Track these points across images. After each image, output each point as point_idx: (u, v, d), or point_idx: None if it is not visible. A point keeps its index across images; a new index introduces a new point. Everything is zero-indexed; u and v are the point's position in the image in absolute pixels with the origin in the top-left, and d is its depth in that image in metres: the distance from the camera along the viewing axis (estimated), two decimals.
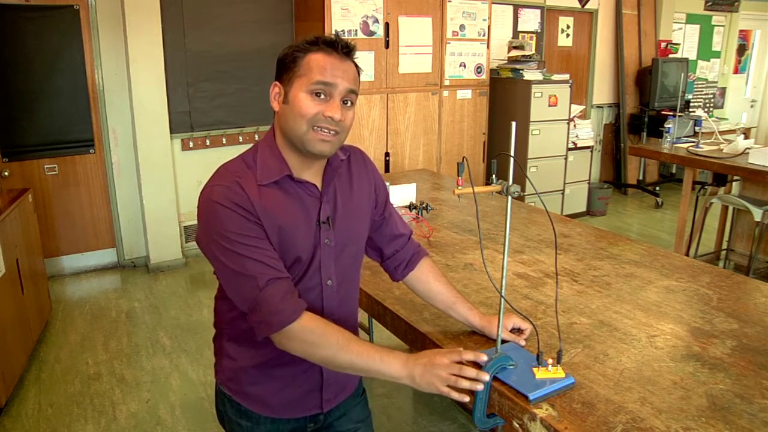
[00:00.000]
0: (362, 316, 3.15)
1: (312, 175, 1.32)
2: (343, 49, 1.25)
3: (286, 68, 1.26)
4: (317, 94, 1.23)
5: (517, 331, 1.49)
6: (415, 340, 1.60)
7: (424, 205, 2.54)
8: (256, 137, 4.86)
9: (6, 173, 3.92)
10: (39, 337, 3.51)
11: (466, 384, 1.20)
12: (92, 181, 4.54)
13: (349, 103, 1.26)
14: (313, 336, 1.21)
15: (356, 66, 1.29)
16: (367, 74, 4.57)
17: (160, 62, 4.34)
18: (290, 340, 1.22)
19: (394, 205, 2.50)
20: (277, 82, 1.28)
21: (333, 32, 1.17)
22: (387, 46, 4.61)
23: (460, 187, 1.36)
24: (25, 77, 4.15)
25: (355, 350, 1.21)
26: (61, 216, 4.47)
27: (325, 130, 1.23)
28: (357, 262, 1.46)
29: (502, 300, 1.32)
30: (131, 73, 4.26)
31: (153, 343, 3.54)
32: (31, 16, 4.08)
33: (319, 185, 1.33)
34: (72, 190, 4.48)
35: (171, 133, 4.48)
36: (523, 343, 1.44)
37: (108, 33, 4.32)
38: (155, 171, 4.47)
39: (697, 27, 7.72)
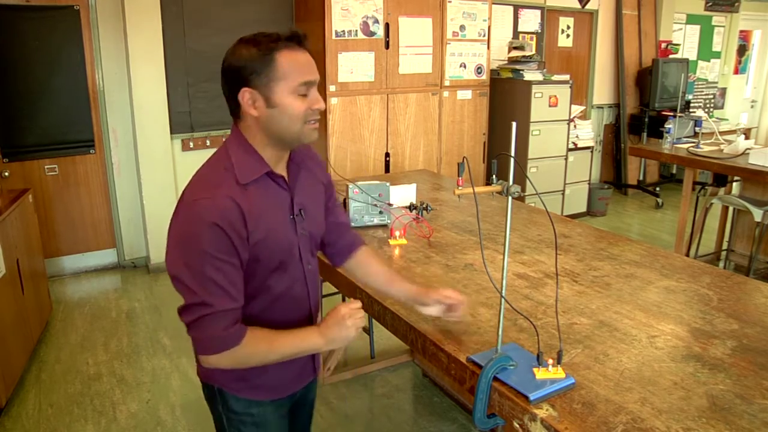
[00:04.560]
0: None
1: (281, 168, 1.39)
2: (302, 41, 1.30)
3: (256, 72, 1.25)
4: (300, 94, 1.28)
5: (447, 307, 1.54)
6: (415, 340, 1.60)
7: (424, 206, 2.54)
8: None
9: (6, 173, 3.92)
10: (39, 338, 3.51)
11: (364, 321, 1.40)
12: (92, 181, 4.55)
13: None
14: (244, 356, 1.30)
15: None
16: (368, 74, 4.57)
17: (161, 62, 4.34)
18: (225, 359, 1.28)
19: (394, 206, 2.51)
20: (247, 89, 1.26)
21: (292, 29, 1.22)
22: (387, 46, 4.61)
23: (460, 188, 1.36)
24: (26, 77, 4.15)
25: (280, 345, 1.33)
26: (61, 216, 4.47)
27: (314, 121, 1.32)
28: (318, 243, 1.57)
29: (503, 300, 1.32)
30: (131, 73, 4.26)
31: (153, 343, 3.54)
32: (31, 17, 4.08)
33: (286, 178, 1.40)
34: (72, 190, 4.48)
35: (171, 133, 4.48)
36: (457, 317, 1.54)
37: (108, 33, 4.33)
38: (155, 171, 4.47)
39: (697, 27, 7.72)
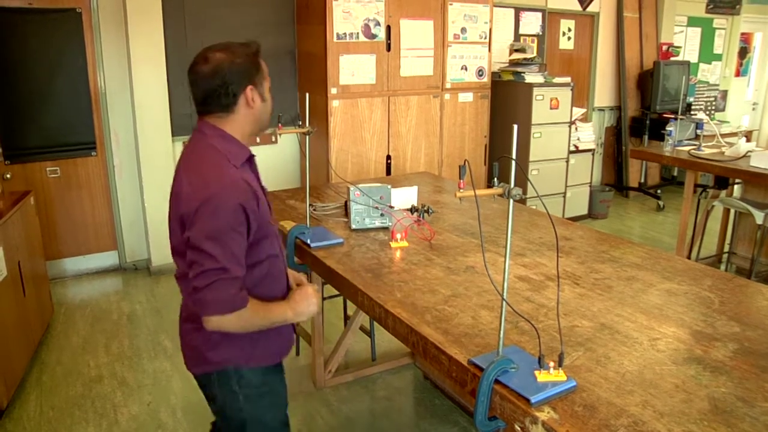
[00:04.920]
0: (364, 319, 3.16)
1: None
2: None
3: (253, 74, 1.54)
4: (270, 91, 1.62)
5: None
6: (416, 343, 1.60)
7: (425, 208, 2.54)
8: (258, 140, 4.87)
9: (8, 176, 3.94)
10: (40, 340, 3.51)
11: (315, 306, 1.65)
12: (94, 183, 4.55)
13: None
14: (247, 319, 1.50)
15: None
16: (369, 77, 4.58)
17: (162, 64, 4.34)
18: (232, 320, 1.47)
19: (396, 208, 2.51)
20: (251, 86, 1.54)
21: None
22: (388, 49, 4.62)
23: (461, 190, 1.36)
24: (28, 80, 4.16)
25: (269, 313, 1.56)
26: (62, 218, 4.48)
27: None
28: None
29: (504, 303, 1.32)
30: (133, 76, 4.27)
31: (154, 345, 3.54)
32: (33, 19, 4.09)
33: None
34: (74, 192, 4.49)
35: (173, 135, 4.49)
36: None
37: (110, 36, 4.33)
38: (157, 173, 4.47)
39: (698, 30, 7.72)
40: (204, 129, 1.56)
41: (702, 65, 7.90)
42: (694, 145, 4.57)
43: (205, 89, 1.51)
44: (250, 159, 1.62)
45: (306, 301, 1.63)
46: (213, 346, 1.59)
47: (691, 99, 7.42)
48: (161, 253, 4.62)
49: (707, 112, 7.74)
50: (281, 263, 1.70)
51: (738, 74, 8.49)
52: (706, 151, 4.36)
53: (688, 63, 7.11)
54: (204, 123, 1.56)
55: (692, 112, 6.90)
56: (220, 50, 1.52)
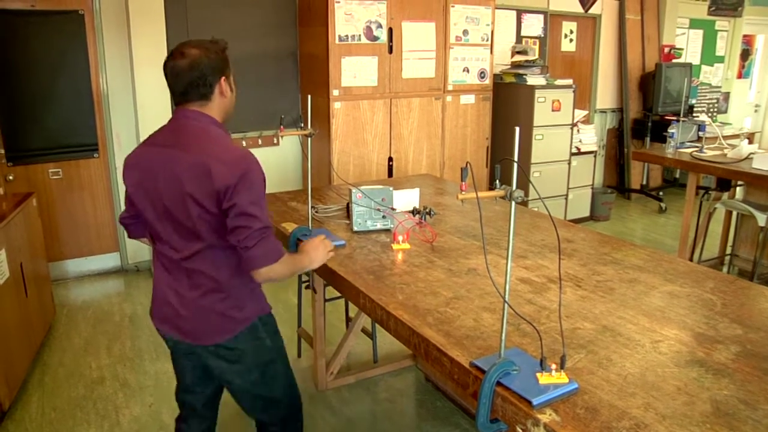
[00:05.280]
0: (365, 321, 3.16)
1: None
2: None
3: (227, 67, 1.77)
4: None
5: None
6: (418, 344, 1.60)
7: (427, 210, 2.54)
8: (260, 141, 4.88)
9: (11, 177, 3.93)
10: (43, 341, 3.52)
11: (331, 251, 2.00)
12: (96, 185, 4.56)
13: None
14: (288, 264, 1.78)
15: None
16: (371, 79, 4.58)
17: None
18: (282, 266, 1.73)
19: (398, 210, 2.51)
20: (224, 78, 1.75)
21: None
22: (390, 51, 4.62)
23: (463, 192, 1.36)
24: (30, 81, 4.17)
25: (293, 263, 1.83)
26: (65, 220, 4.49)
27: None
28: None
29: (506, 305, 1.32)
30: (135, 78, 4.28)
31: (156, 347, 3.55)
32: (36, 21, 4.11)
33: None
34: (76, 194, 4.50)
35: None
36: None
37: (112, 38, 4.35)
38: None
39: (700, 32, 7.72)
40: (191, 115, 1.74)
41: (704, 67, 7.90)
42: (696, 147, 4.57)
43: (186, 81, 1.70)
44: None
45: (316, 250, 1.92)
46: (241, 307, 1.81)
47: (693, 101, 7.43)
48: None
49: (709, 114, 7.74)
50: None
51: (740, 76, 8.48)
52: (709, 153, 4.35)
53: (690, 65, 7.11)
54: (187, 110, 1.74)
55: (694, 114, 6.90)
56: (195, 47, 1.72)
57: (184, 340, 1.83)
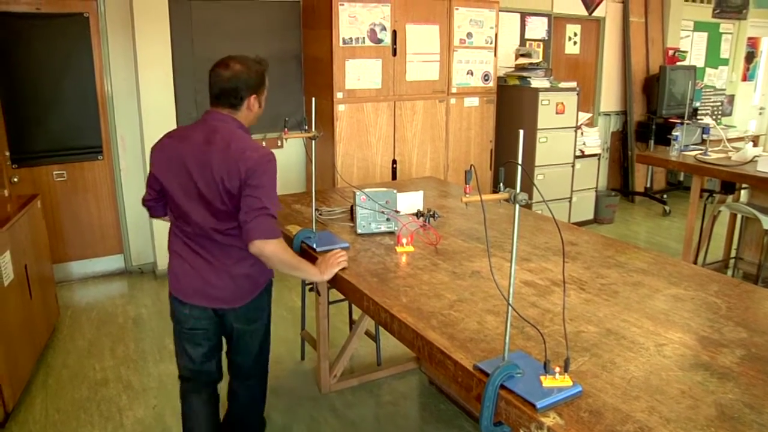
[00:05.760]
0: (369, 324, 3.16)
1: None
2: None
3: (259, 85, 2.06)
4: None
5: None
6: (421, 347, 1.60)
7: (431, 213, 2.54)
8: (264, 144, 4.84)
9: (15, 179, 3.95)
10: (47, 343, 3.52)
11: (344, 263, 2.11)
12: (100, 187, 4.57)
13: None
14: (285, 251, 2.01)
15: None
16: (375, 82, 4.59)
17: (169, 69, 4.37)
18: (274, 248, 1.95)
19: (401, 213, 2.51)
20: (255, 95, 2.04)
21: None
22: (394, 53, 4.63)
23: (467, 195, 1.36)
24: (35, 84, 4.19)
25: (299, 259, 2.09)
26: (69, 222, 4.50)
27: None
28: None
29: (509, 308, 1.32)
30: (140, 80, 4.30)
31: (160, 349, 3.55)
32: (40, 24, 4.13)
33: None
34: (80, 196, 4.51)
35: None
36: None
37: (117, 40, 4.36)
38: None
39: (704, 34, 7.71)
40: (219, 117, 2.02)
41: (708, 70, 7.88)
42: (701, 149, 4.56)
43: (222, 88, 1.99)
44: None
45: (331, 264, 2.08)
46: (262, 270, 2.14)
47: (698, 104, 7.41)
48: (167, 257, 4.62)
49: (714, 117, 7.72)
50: None
51: (745, 79, 8.46)
52: (713, 156, 4.35)
53: (694, 68, 7.10)
54: (217, 112, 2.03)
55: (698, 117, 6.88)
56: (239, 62, 2.00)
57: (215, 306, 2.12)
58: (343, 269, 2.09)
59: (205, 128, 2.01)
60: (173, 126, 4.44)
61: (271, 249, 1.93)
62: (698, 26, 7.59)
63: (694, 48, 7.64)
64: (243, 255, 2.05)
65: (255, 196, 1.91)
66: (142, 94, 4.31)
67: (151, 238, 4.65)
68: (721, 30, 7.86)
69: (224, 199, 1.96)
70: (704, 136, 4.84)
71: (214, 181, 1.94)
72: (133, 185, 4.62)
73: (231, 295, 2.11)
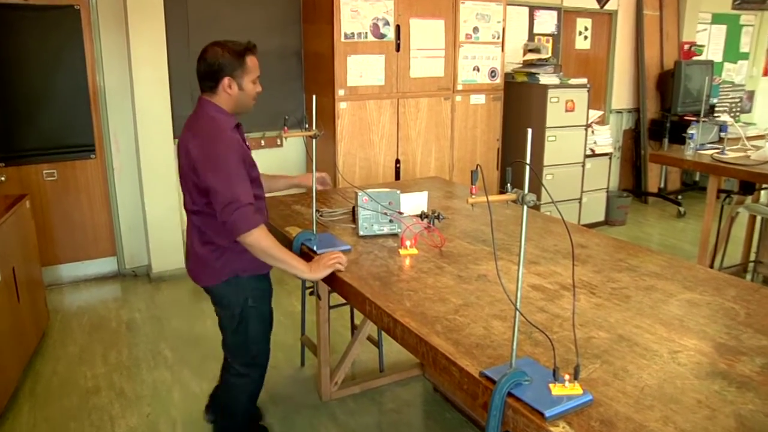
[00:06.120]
0: (371, 329, 3.16)
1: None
2: (256, 49, 2.19)
3: (233, 68, 2.13)
4: (254, 82, 2.20)
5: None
6: (426, 353, 1.60)
7: (435, 214, 2.54)
8: (263, 143, 4.91)
9: (3, 179, 3.97)
10: (35, 349, 3.53)
11: (338, 265, 2.11)
12: (92, 187, 4.59)
13: None
14: (266, 239, 2.08)
15: None
16: (377, 78, 4.60)
17: (164, 65, 4.38)
18: (256, 237, 2.04)
19: (405, 214, 2.52)
20: (228, 77, 2.13)
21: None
22: (398, 49, 4.63)
23: (473, 196, 1.36)
24: (24, 79, 4.20)
25: (284, 252, 2.12)
26: (59, 223, 4.51)
27: (255, 99, 2.25)
28: None
29: (517, 313, 1.32)
30: (134, 76, 4.31)
31: (154, 355, 3.56)
32: (30, 16, 4.13)
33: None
34: (71, 196, 4.52)
35: (174, 137, 4.51)
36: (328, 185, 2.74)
37: (110, 34, 4.37)
38: (158, 177, 4.50)
39: (723, 27, 7.65)
40: (202, 104, 2.19)
41: (727, 64, 7.84)
42: (718, 148, 4.54)
43: (200, 71, 2.16)
44: (238, 126, 2.23)
45: (321, 264, 2.10)
46: (225, 262, 2.25)
47: (715, 100, 7.39)
48: (162, 259, 4.64)
49: (732, 114, 7.69)
50: (263, 203, 2.36)
51: (766, 74, 8.42)
52: (731, 155, 4.33)
53: (711, 62, 7.08)
54: (201, 98, 2.20)
55: (716, 114, 6.85)
56: (218, 45, 2.14)
57: (192, 278, 2.36)
58: (338, 271, 2.10)
59: (192, 114, 2.23)
60: (168, 124, 4.46)
61: (250, 240, 2.05)
62: (717, 18, 7.54)
63: (711, 41, 7.59)
64: (205, 239, 2.23)
65: (217, 189, 2.04)
66: (136, 91, 4.32)
67: (145, 239, 4.66)
68: (741, 22, 7.81)
69: (187, 182, 2.18)
70: (722, 134, 4.81)
71: (185, 166, 2.17)
72: (126, 185, 4.63)
73: (193, 272, 2.34)
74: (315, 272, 2.09)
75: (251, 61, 2.16)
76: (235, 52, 2.12)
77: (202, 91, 2.20)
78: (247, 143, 2.30)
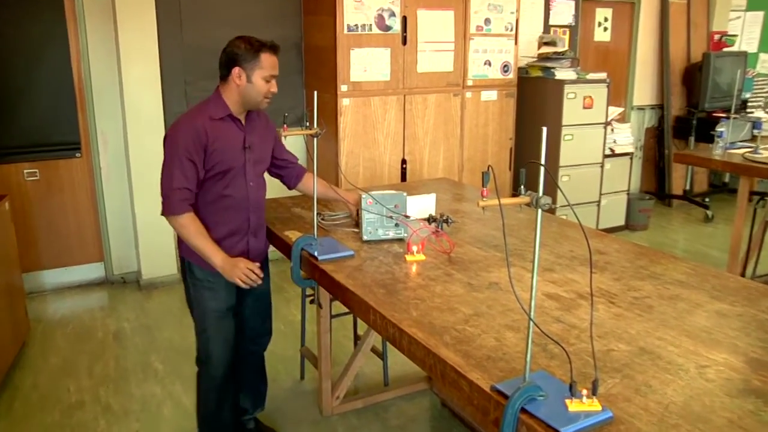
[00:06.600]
0: (376, 339, 3.16)
1: (242, 118, 2.41)
2: (277, 50, 2.34)
3: (245, 59, 2.28)
4: (267, 80, 2.32)
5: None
6: (433, 366, 1.61)
7: (444, 218, 2.55)
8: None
9: None
10: (13, 361, 3.53)
11: (249, 281, 2.31)
12: (78, 187, 4.60)
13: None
14: (186, 227, 2.31)
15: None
16: (383, 73, 4.61)
17: (155, 58, 4.39)
18: (180, 224, 2.31)
19: (412, 218, 2.52)
20: (239, 68, 2.29)
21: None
22: (404, 42, 4.64)
23: (484, 199, 1.37)
24: (4, 72, 4.19)
25: (202, 242, 2.30)
26: (42, 226, 4.52)
27: (268, 99, 2.37)
28: (263, 172, 2.56)
29: (531, 323, 1.32)
30: (122, 70, 4.32)
31: (144, 367, 3.57)
32: (9, 3, 4.12)
33: (243, 123, 2.43)
34: (55, 197, 4.53)
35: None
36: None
37: (97, 25, 4.38)
38: (148, 177, 4.48)
39: (760, 14, 7.48)
40: (213, 93, 2.39)
41: (762, 56, 7.71)
42: (750, 147, 4.52)
43: (219, 60, 2.35)
44: (231, 117, 2.36)
45: (234, 270, 2.29)
46: (180, 242, 2.47)
47: (748, 95, 7.30)
48: (152, 265, 4.65)
49: (767, 110, 7.63)
50: (247, 194, 2.43)
51: None
52: (765, 154, 4.31)
53: (745, 54, 7.01)
54: (216, 88, 2.39)
55: (748, 110, 6.80)
56: (241, 37, 2.31)
57: None
58: (249, 286, 2.32)
59: None
60: (160, 121, 4.47)
61: (174, 225, 2.33)
62: (752, 5, 7.41)
63: (745, 31, 7.48)
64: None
65: (161, 171, 2.31)
66: (125, 87, 4.34)
67: (135, 244, 4.67)
68: None
69: None
70: (755, 131, 4.79)
71: None
72: (115, 186, 4.64)
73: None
74: (224, 272, 2.30)
75: (267, 58, 2.29)
76: (252, 46, 2.28)
77: (220, 77, 2.38)
78: (248, 136, 2.40)
